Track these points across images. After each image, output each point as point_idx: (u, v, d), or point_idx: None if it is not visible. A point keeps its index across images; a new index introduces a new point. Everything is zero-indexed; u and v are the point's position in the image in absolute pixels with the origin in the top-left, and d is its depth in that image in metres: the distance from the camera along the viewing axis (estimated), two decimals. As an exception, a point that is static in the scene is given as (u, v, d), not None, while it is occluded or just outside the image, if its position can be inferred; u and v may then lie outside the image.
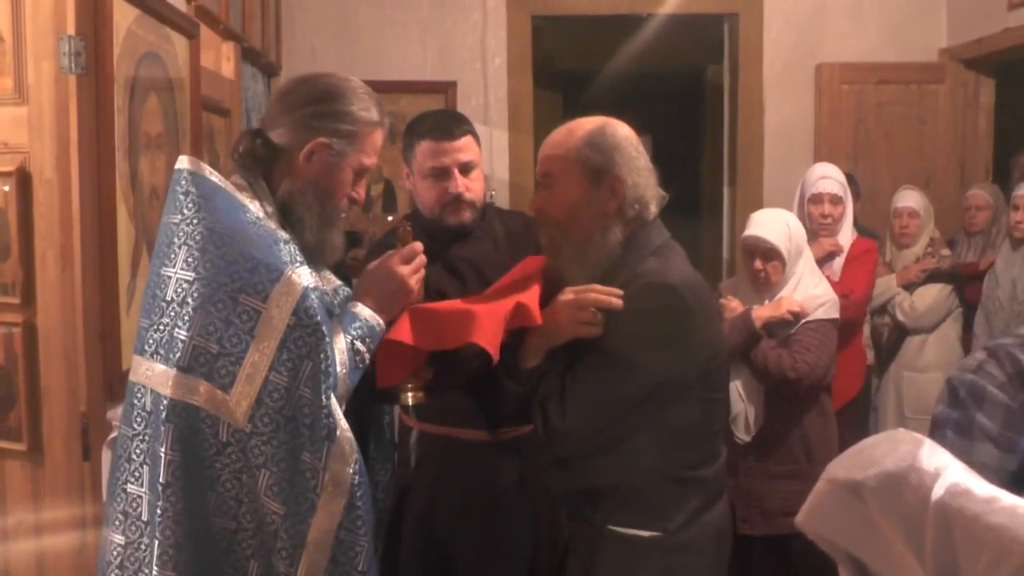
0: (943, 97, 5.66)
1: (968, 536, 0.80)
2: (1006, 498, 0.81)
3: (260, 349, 1.77)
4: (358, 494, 1.82)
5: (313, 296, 1.84)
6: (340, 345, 1.90)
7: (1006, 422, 1.19)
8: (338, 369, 1.86)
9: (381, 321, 2.02)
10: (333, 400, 1.81)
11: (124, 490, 1.86)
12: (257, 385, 1.77)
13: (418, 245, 2.11)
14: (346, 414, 1.86)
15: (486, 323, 2.10)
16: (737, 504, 3.45)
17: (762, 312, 3.45)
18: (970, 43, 5.40)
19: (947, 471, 0.86)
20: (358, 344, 1.94)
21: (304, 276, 1.86)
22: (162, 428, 1.78)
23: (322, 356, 1.81)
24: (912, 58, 5.64)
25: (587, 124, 2.21)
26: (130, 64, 2.71)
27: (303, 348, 1.80)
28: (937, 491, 0.84)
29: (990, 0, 5.14)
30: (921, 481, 0.86)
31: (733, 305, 3.57)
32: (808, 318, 3.48)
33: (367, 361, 1.96)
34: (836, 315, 3.56)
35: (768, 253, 3.50)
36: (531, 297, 2.17)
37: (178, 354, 1.78)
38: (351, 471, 1.81)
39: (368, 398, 2.14)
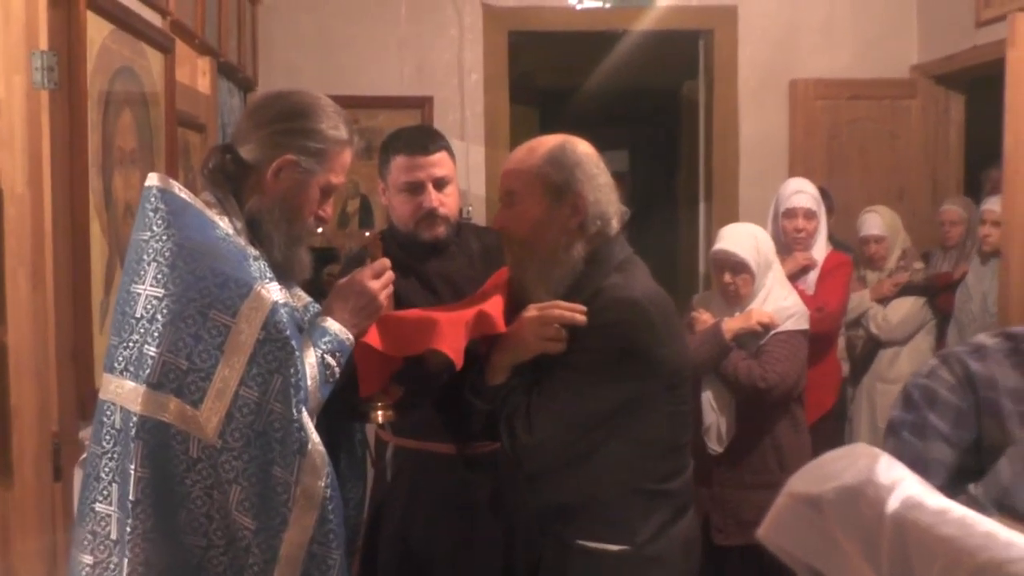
0: (915, 113, 5.72)
1: (921, 547, 0.82)
2: (957, 510, 0.83)
3: (230, 364, 1.77)
4: (330, 507, 1.82)
5: (283, 311, 1.85)
6: (310, 359, 1.90)
7: (956, 422, 1.25)
8: (308, 383, 1.86)
9: (351, 335, 2.02)
10: (304, 414, 1.81)
11: (92, 509, 1.85)
12: (227, 400, 1.77)
13: (386, 260, 2.12)
14: (318, 431, 1.86)
15: (448, 330, 2.12)
16: (712, 514, 3.48)
17: (732, 324, 3.50)
18: (940, 60, 5.47)
19: (902, 484, 0.87)
20: (328, 358, 1.94)
21: (273, 291, 1.86)
22: (131, 445, 1.78)
23: (292, 370, 1.81)
24: (884, 74, 5.70)
25: (547, 142, 2.23)
26: (104, 79, 2.71)
27: (273, 363, 1.80)
28: (892, 504, 0.86)
29: (959, 18, 5.21)
30: (877, 494, 0.88)
31: (704, 318, 3.61)
32: (777, 329, 3.54)
33: (337, 375, 1.97)
34: (805, 326, 3.62)
35: (737, 267, 3.57)
36: (494, 306, 2.19)
37: (148, 371, 1.78)
38: (323, 484, 1.81)
39: (340, 415, 2.14)
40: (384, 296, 2.10)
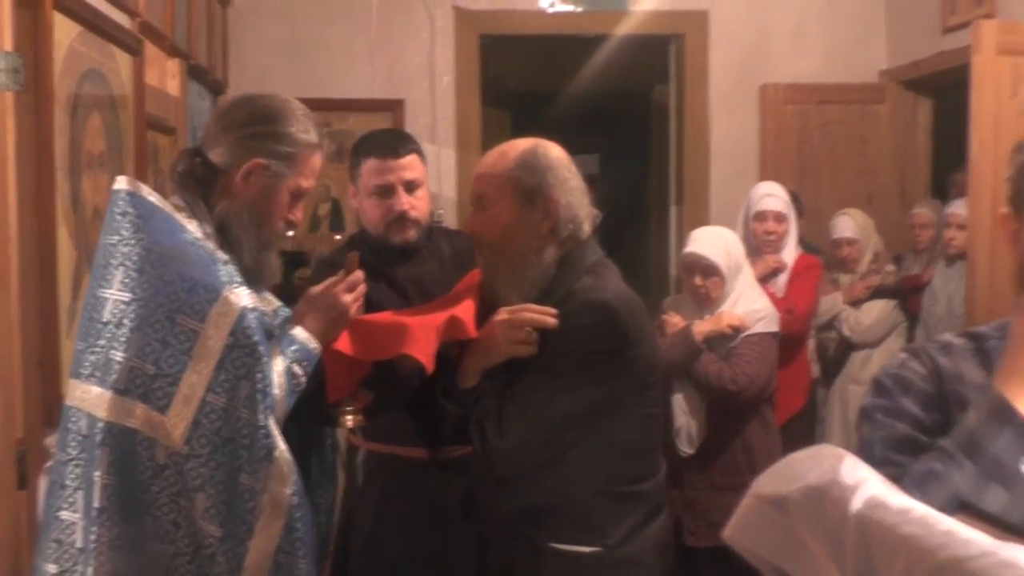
0: (884, 117, 5.77)
1: (884, 545, 0.83)
2: (919, 509, 0.84)
3: (197, 370, 1.76)
4: (297, 515, 1.81)
5: (251, 316, 1.84)
6: (278, 368, 1.89)
7: (928, 406, 1.28)
8: (276, 391, 1.85)
9: (318, 345, 2.02)
10: (271, 421, 1.81)
11: (57, 517, 1.82)
12: (194, 407, 1.76)
13: (360, 273, 2.13)
14: (288, 437, 1.86)
15: (419, 334, 2.12)
16: (683, 516, 3.49)
17: (703, 327, 3.52)
18: (908, 65, 5.52)
19: (866, 484, 0.88)
20: (295, 368, 1.94)
21: (242, 296, 1.86)
22: (97, 452, 1.76)
23: (259, 376, 1.80)
24: (853, 79, 5.75)
25: (519, 146, 2.24)
26: (71, 81, 2.69)
27: (240, 369, 1.79)
28: (856, 503, 0.87)
29: (926, 25, 5.26)
30: (842, 494, 0.88)
31: (675, 321, 3.63)
32: (748, 332, 3.56)
33: (303, 385, 1.96)
34: (776, 328, 3.65)
35: (707, 269, 3.58)
36: (465, 311, 2.19)
37: (114, 376, 1.77)
38: (290, 492, 1.81)
39: (310, 420, 2.13)
40: (355, 310, 2.10)
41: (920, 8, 5.34)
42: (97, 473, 1.76)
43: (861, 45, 5.77)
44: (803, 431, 4.34)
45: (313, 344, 2.00)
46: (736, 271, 3.63)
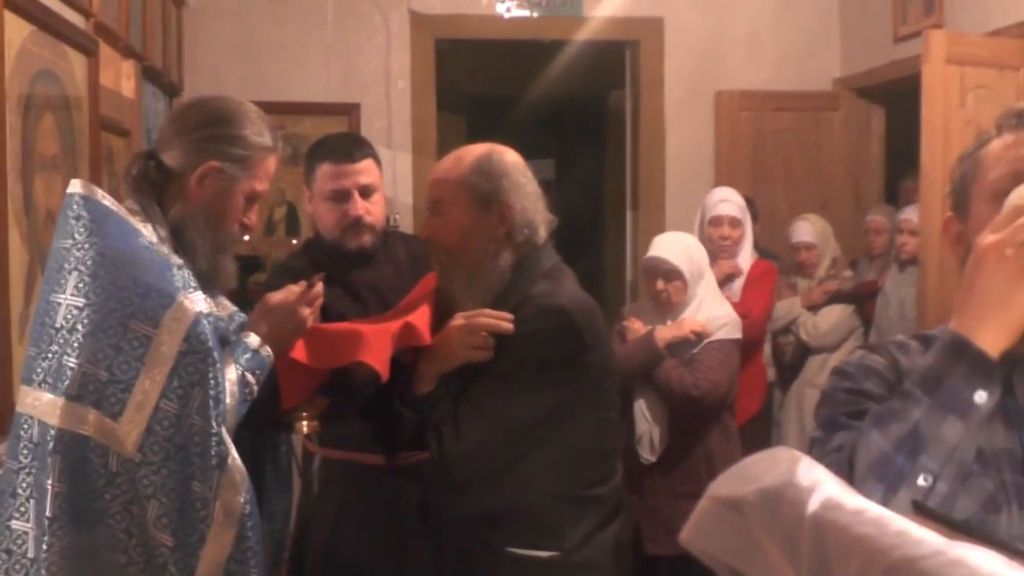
0: (837, 124, 5.85)
1: (839, 546, 0.84)
2: (873, 509, 0.85)
3: (151, 376, 1.75)
4: (249, 524, 1.80)
5: (205, 322, 1.82)
6: (231, 375, 1.88)
7: (890, 391, 1.30)
8: (227, 401, 1.84)
9: (271, 353, 2.01)
10: (224, 428, 1.79)
11: (8, 527, 1.78)
12: (147, 413, 1.74)
13: (320, 289, 2.13)
14: (241, 443, 1.84)
15: (374, 342, 2.12)
16: (643, 523, 3.50)
17: (665, 332, 3.53)
18: (861, 73, 5.60)
19: (822, 486, 0.89)
20: (248, 376, 1.92)
21: (197, 302, 1.84)
22: (49, 459, 1.74)
23: (213, 383, 1.79)
24: (807, 87, 5.81)
25: (474, 151, 2.25)
26: (23, 82, 2.65)
27: (194, 375, 1.78)
28: (812, 505, 0.88)
29: (878, 34, 5.34)
30: (797, 496, 0.89)
31: (636, 327, 3.64)
32: (710, 338, 3.57)
33: (255, 393, 1.95)
34: (738, 335, 3.67)
35: (669, 274, 3.59)
36: (420, 318, 2.19)
37: (67, 382, 1.75)
38: (242, 500, 1.79)
39: (264, 427, 2.12)
40: (311, 321, 2.10)
41: (873, 17, 5.41)
42: (48, 481, 1.74)
43: (815, 53, 5.84)
44: (759, 434, 4.38)
45: (267, 353, 1.99)
46: (698, 276, 3.64)
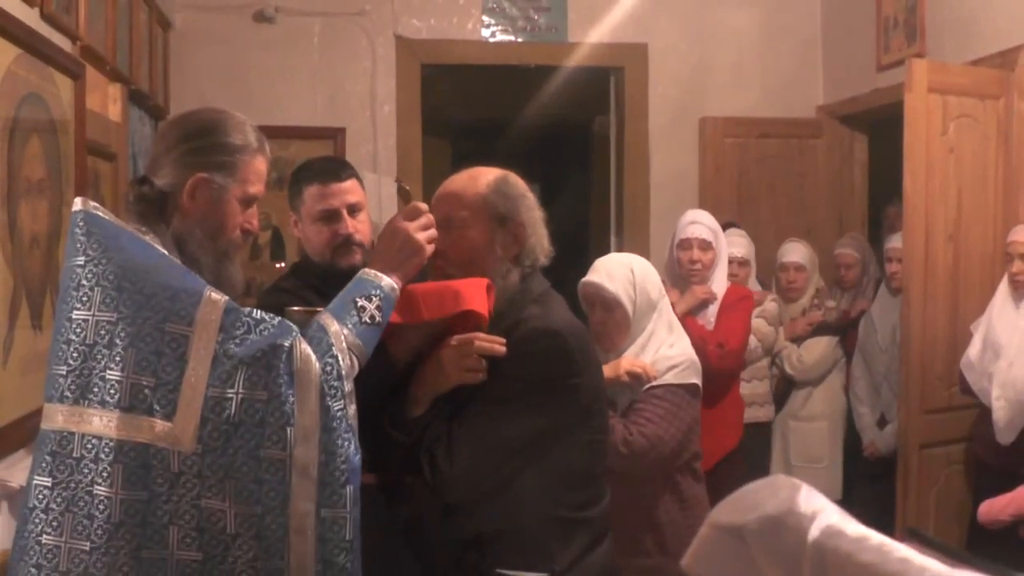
0: (821, 152, 5.89)
1: (841, 573, 0.84)
2: (875, 537, 0.85)
3: (195, 371, 1.77)
4: (329, 470, 1.80)
5: (236, 308, 1.83)
6: (332, 326, 1.87)
7: None
8: (332, 341, 1.84)
9: (384, 277, 1.98)
10: (283, 389, 1.78)
11: (39, 542, 1.78)
12: (198, 406, 1.76)
13: (421, 204, 2.10)
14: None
15: (471, 292, 2.09)
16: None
17: None
18: (844, 101, 5.65)
19: (823, 514, 0.90)
20: (360, 301, 1.92)
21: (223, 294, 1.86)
22: (108, 470, 1.75)
23: (263, 359, 1.78)
24: (791, 114, 5.86)
25: (489, 173, 2.28)
26: (9, 105, 2.64)
27: (234, 359, 1.78)
28: (813, 532, 0.88)
29: (861, 62, 5.40)
30: (799, 523, 0.90)
31: None
32: (654, 383, 2.96)
33: (377, 316, 1.93)
34: (694, 380, 3.03)
35: (608, 303, 3.02)
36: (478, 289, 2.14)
37: (116, 395, 1.77)
38: (314, 453, 1.79)
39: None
40: (424, 237, 2.06)
41: (856, 46, 5.47)
42: (110, 491, 1.75)
43: (799, 81, 5.89)
44: (735, 471, 3.99)
45: (374, 275, 1.98)
46: (647, 308, 3.04)
